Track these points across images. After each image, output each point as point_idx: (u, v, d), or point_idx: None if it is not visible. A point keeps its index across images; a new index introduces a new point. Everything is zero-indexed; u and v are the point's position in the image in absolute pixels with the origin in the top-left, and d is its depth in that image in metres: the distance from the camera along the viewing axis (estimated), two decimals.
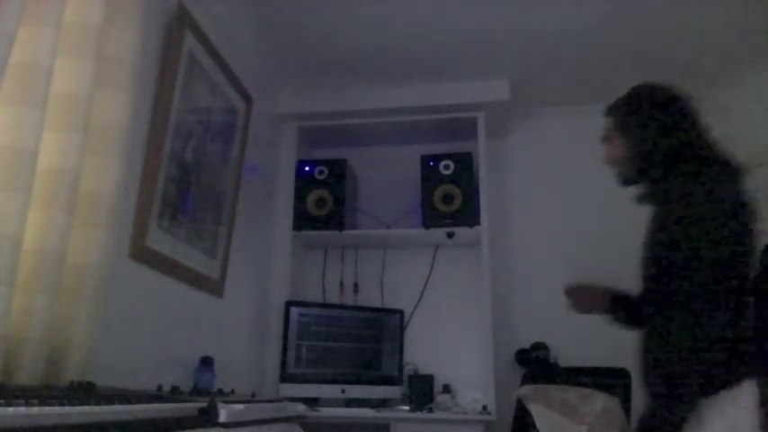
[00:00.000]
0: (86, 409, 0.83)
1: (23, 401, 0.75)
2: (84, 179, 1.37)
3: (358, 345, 2.94)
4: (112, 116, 1.50)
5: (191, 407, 1.12)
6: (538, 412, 1.69)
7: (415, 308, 3.13)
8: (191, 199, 2.14)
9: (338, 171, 3.11)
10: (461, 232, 2.97)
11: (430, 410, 2.70)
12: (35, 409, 0.74)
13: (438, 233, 3.00)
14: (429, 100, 3.09)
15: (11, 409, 0.71)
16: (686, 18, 2.59)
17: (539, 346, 2.84)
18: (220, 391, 1.74)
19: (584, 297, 1.64)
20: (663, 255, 1.38)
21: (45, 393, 0.93)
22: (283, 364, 2.75)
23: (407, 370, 2.97)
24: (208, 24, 2.18)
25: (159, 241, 1.91)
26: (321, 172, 3.11)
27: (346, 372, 2.88)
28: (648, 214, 1.49)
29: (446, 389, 2.83)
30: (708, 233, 1.30)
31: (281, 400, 1.78)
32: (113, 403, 0.90)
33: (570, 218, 3.08)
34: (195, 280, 2.17)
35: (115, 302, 1.55)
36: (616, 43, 2.79)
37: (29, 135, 1.20)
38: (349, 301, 3.19)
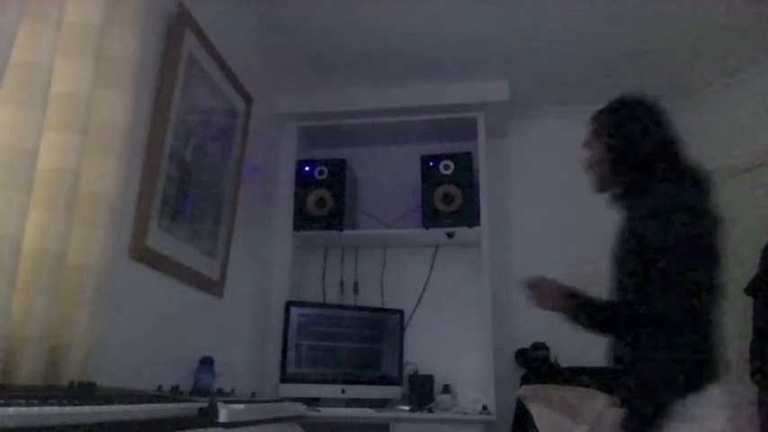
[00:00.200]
0: (86, 409, 0.82)
1: (23, 401, 0.75)
2: (84, 179, 1.37)
3: (358, 345, 2.94)
4: (112, 116, 1.50)
5: (191, 407, 1.12)
6: (538, 412, 1.69)
7: (415, 308, 3.13)
8: (191, 199, 2.14)
9: (338, 171, 3.10)
10: (461, 232, 2.97)
11: (430, 410, 2.71)
12: (35, 409, 0.74)
13: (438, 233, 3.00)
14: (429, 100, 3.09)
15: (11, 409, 0.71)
16: (686, 18, 2.59)
17: (539, 346, 2.84)
18: (220, 391, 1.75)
19: (542, 293, 1.65)
20: (635, 265, 1.45)
21: (45, 393, 0.93)
22: (283, 364, 2.75)
23: (407, 370, 2.97)
24: (208, 24, 2.19)
25: (159, 241, 1.91)
26: (321, 172, 3.11)
27: (346, 372, 2.88)
28: (618, 222, 1.57)
29: (446, 389, 2.83)
30: (677, 242, 1.36)
31: (281, 400, 1.78)
32: (113, 403, 0.90)
33: (570, 218, 3.07)
34: (195, 280, 2.17)
35: (115, 302, 1.55)
36: (616, 43, 2.79)
37: (29, 135, 1.20)
38: (349, 301, 3.19)
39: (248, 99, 2.61)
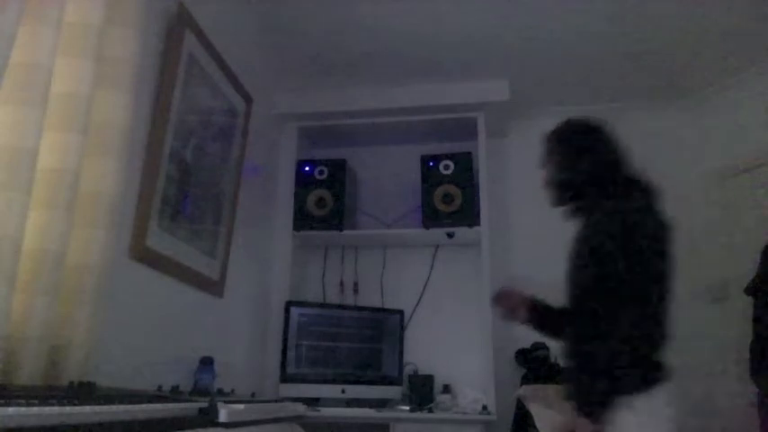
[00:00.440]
0: (86, 409, 0.83)
1: (23, 401, 0.75)
2: (84, 179, 1.37)
3: (358, 345, 2.94)
4: (112, 116, 1.50)
5: (191, 407, 1.12)
6: (538, 412, 1.69)
7: (415, 308, 3.13)
8: (191, 199, 2.14)
9: (338, 171, 3.10)
10: (461, 232, 2.97)
11: (430, 410, 2.71)
12: (35, 409, 0.74)
13: (438, 233, 3.00)
14: (429, 100, 3.09)
15: (11, 409, 0.71)
16: (686, 18, 2.59)
17: (539, 346, 2.84)
18: (220, 391, 1.75)
19: (507, 305, 1.74)
20: (586, 272, 1.53)
21: (45, 393, 0.93)
22: (283, 364, 2.75)
23: (407, 370, 2.97)
24: (208, 24, 2.19)
25: (159, 241, 1.91)
26: (321, 172, 3.11)
27: (346, 372, 2.88)
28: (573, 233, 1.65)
29: (446, 389, 2.83)
30: (624, 250, 1.42)
31: (281, 400, 1.78)
32: (113, 403, 0.90)
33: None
34: (195, 280, 2.17)
35: (115, 302, 1.55)
36: (616, 43, 2.79)
37: (29, 135, 1.20)
38: (349, 301, 3.19)
39: (248, 99, 2.61)
